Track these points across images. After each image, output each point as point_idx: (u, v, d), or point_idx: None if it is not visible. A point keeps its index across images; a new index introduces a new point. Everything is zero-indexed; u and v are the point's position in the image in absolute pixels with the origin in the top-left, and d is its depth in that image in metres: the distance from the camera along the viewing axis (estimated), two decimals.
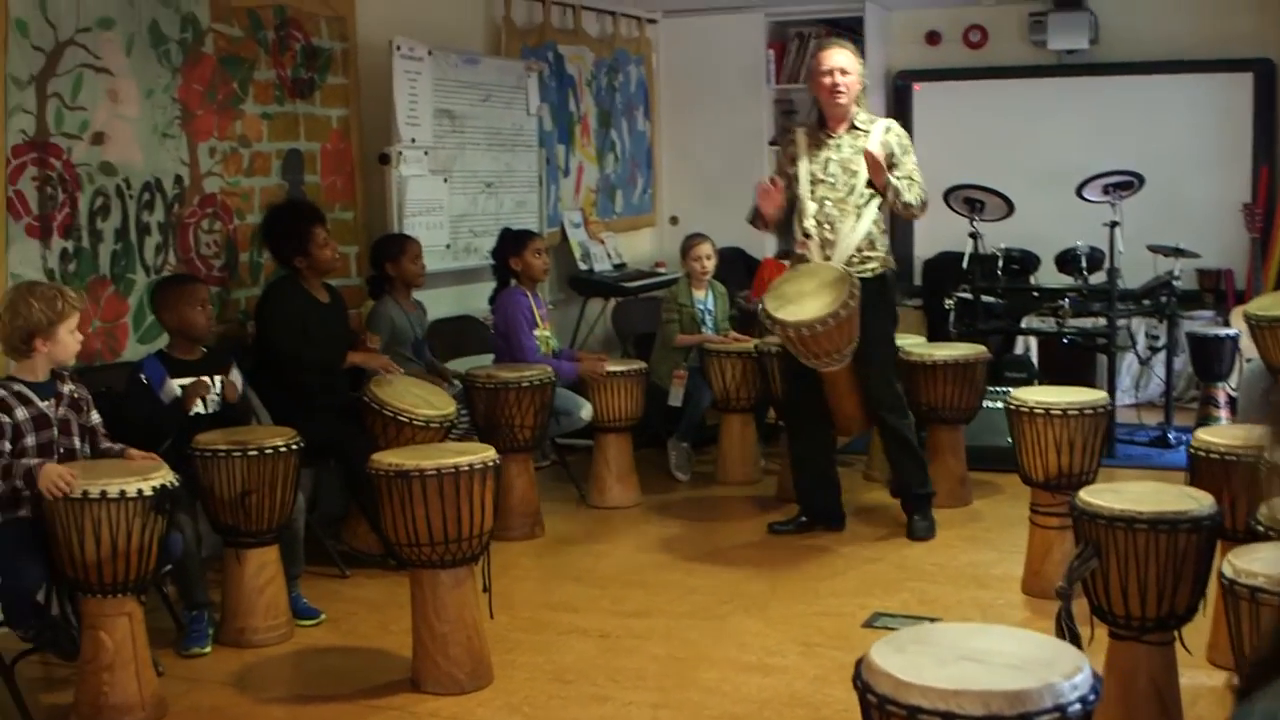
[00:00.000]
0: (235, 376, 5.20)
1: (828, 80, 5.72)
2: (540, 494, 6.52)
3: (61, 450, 4.30)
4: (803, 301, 5.51)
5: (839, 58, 5.72)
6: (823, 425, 5.94)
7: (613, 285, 8.25)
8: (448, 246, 7.03)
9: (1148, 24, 9.13)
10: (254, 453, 4.79)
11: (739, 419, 7.10)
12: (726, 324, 7.47)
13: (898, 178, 5.62)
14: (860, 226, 5.71)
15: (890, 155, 5.65)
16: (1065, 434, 5.09)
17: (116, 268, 5.36)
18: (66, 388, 4.37)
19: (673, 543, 6.10)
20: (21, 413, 4.22)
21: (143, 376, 5.01)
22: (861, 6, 9.15)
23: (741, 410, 7.07)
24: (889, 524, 6.17)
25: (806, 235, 5.77)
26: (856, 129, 5.77)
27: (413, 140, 6.70)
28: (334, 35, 6.48)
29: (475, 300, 7.21)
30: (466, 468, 4.31)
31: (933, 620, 4.86)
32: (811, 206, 5.77)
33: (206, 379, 4.98)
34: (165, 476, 4.16)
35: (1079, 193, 7.57)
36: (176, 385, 5.03)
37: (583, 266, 8.32)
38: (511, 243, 6.68)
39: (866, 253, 5.72)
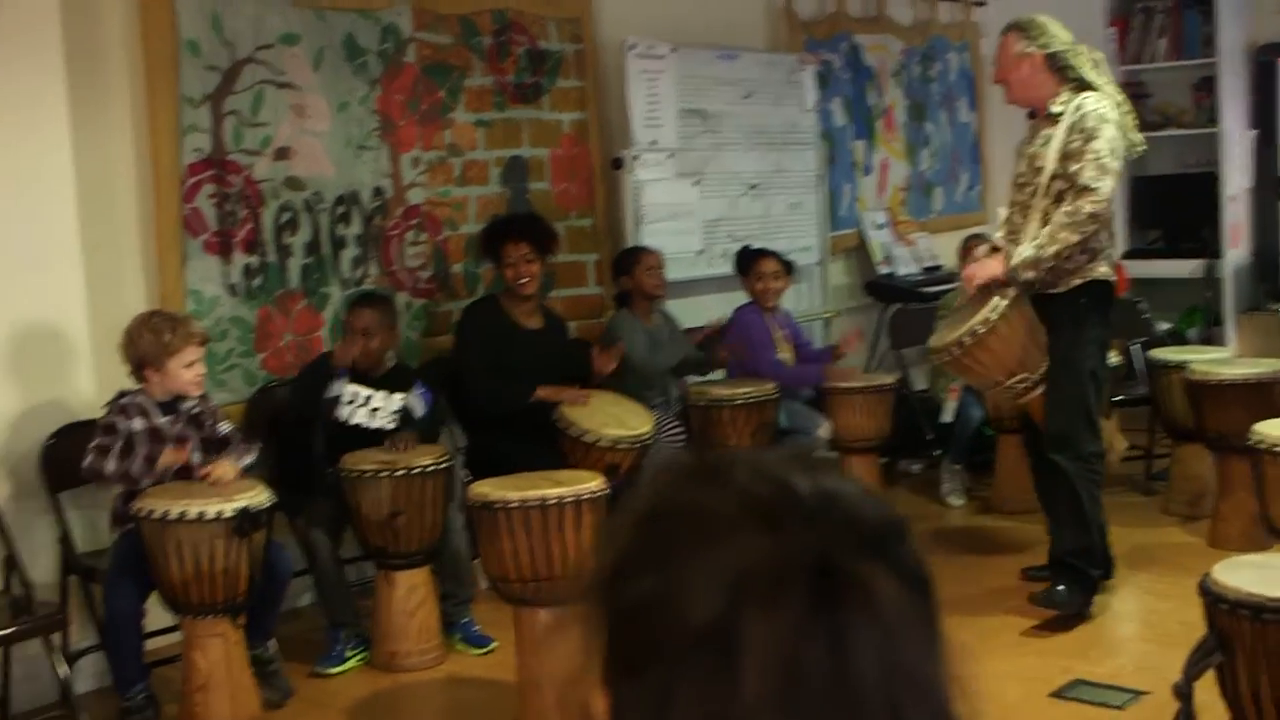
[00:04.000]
0: (414, 399, 5.07)
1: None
2: None
3: (175, 467, 4.30)
4: (952, 329, 4.85)
5: (996, 50, 4.96)
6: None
7: (909, 290, 7.63)
8: (700, 253, 6.68)
9: None
10: (401, 473, 4.66)
11: (1015, 440, 6.35)
12: None
13: (1062, 188, 4.66)
14: (1032, 232, 4.77)
15: (1070, 151, 4.67)
16: None
17: (309, 281, 5.36)
18: (188, 404, 4.37)
19: None
20: (138, 423, 4.26)
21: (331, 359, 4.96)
22: None
23: (1018, 431, 6.32)
24: (1172, 569, 5.33)
25: (995, 247, 4.95)
26: (1051, 116, 4.80)
27: (653, 142, 6.40)
28: (565, 37, 6.28)
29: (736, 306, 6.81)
30: (555, 500, 3.99)
31: (1138, 695, 4.14)
32: (1002, 213, 5.04)
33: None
34: (251, 498, 4.07)
35: None
36: (348, 387, 4.93)
37: (883, 270, 7.75)
38: (745, 260, 6.31)
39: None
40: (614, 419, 5.39)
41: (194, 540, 3.98)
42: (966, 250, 6.69)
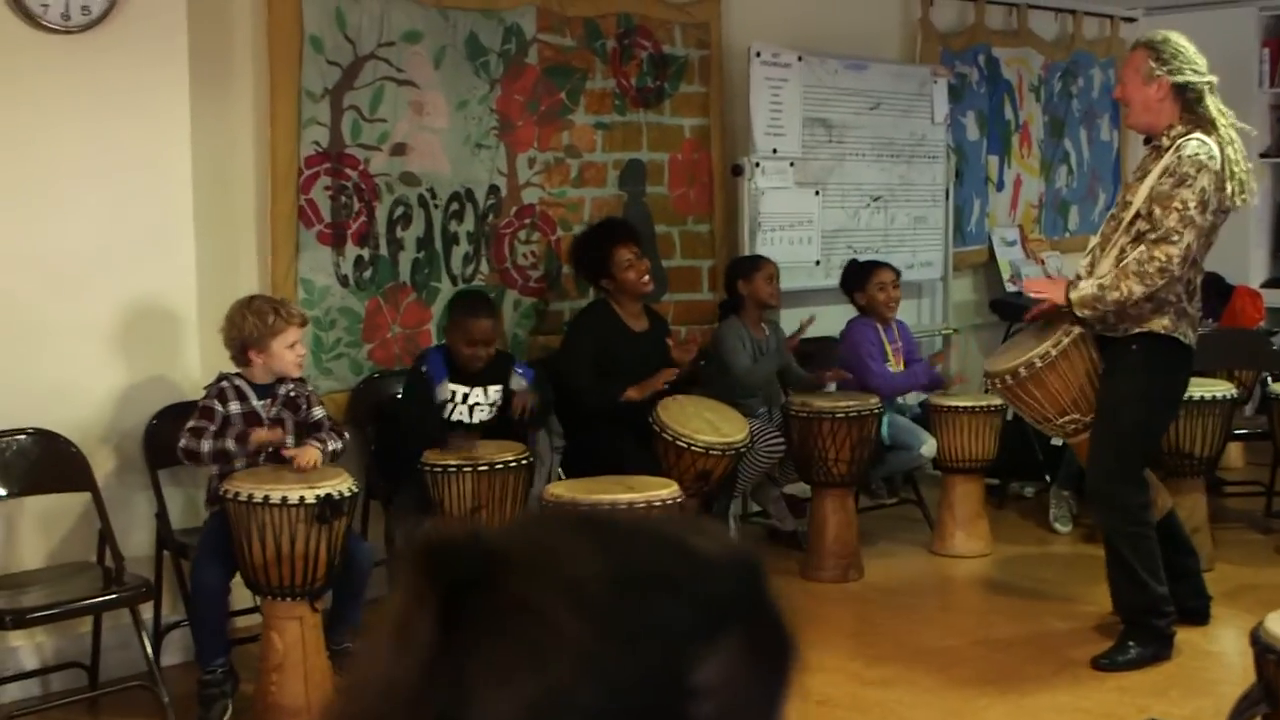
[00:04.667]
0: (516, 379, 5.11)
1: None
2: (884, 534, 6.07)
3: (270, 449, 4.44)
4: (1007, 356, 4.81)
5: (1123, 64, 4.77)
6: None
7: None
8: (818, 263, 6.65)
9: None
10: (484, 468, 4.73)
11: None
12: None
13: (1143, 229, 4.42)
14: (1105, 269, 4.52)
15: (1159, 192, 4.40)
16: None
17: (419, 276, 5.48)
18: (284, 387, 4.50)
19: (990, 600, 5.47)
20: (235, 406, 4.41)
21: (424, 368, 5.06)
22: None
23: None
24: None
25: (1078, 275, 4.70)
26: (1159, 149, 4.53)
27: (774, 151, 6.39)
28: (690, 42, 6.30)
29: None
30: (626, 506, 4.03)
31: None
32: (1092, 240, 4.79)
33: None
34: (335, 485, 4.18)
35: None
36: (448, 388, 5.04)
37: (1010, 289, 7.62)
38: (855, 276, 6.25)
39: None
40: (708, 424, 5.41)
41: (276, 524, 4.10)
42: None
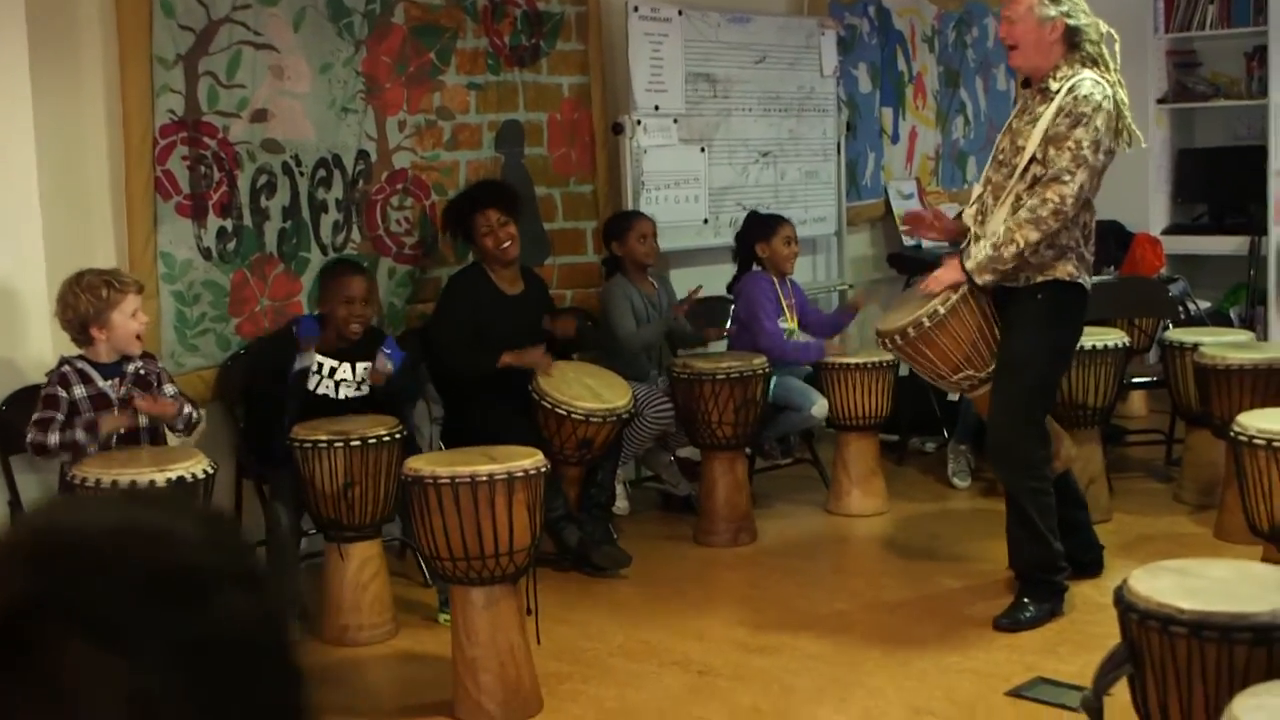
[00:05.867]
0: (383, 361, 4.97)
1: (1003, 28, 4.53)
2: (781, 495, 5.99)
3: (122, 430, 4.26)
4: (899, 313, 4.65)
5: (1008, 4, 4.45)
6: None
7: (935, 263, 7.37)
8: (705, 221, 6.52)
9: None
10: (356, 443, 4.58)
11: None
12: None
13: (1039, 174, 4.31)
14: (1000, 219, 4.39)
15: (1053, 135, 4.29)
16: None
17: (286, 246, 5.29)
18: (132, 366, 4.33)
19: (884, 561, 5.39)
20: (79, 390, 4.23)
21: (295, 329, 4.87)
22: None
23: None
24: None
25: (970, 237, 4.58)
26: (1046, 90, 4.38)
27: (656, 108, 6.24)
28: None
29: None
30: (485, 478, 3.89)
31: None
32: (976, 190, 4.65)
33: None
34: (188, 467, 4.01)
35: None
36: (314, 357, 4.86)
37: (909, 242, 7.53)
38: (759, 227, 6.10)
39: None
40: (589, 391, 5.28)
41: None
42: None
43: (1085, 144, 4.25)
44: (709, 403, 5.50)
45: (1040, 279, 4.39)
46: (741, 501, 5.64)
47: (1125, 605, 2.83)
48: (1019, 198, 4.35)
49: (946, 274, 4.53)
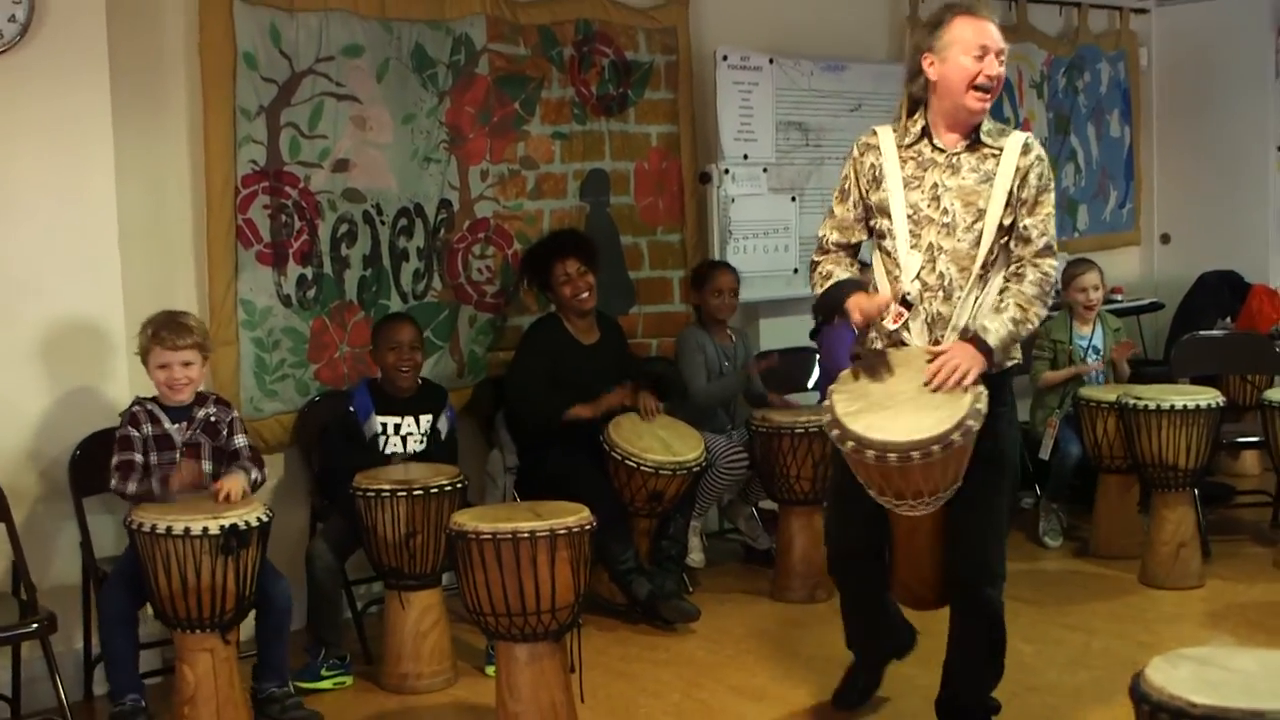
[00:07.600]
0: (443, 422, 5.04)
1: (977, 66, 3.64)
2: None
3: (189, 485, 4.33)
4: (896, 410, 3.54)
5: (997, 35, 3.68)
6: (877, 565, 4.06)
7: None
8: (795, 271, 6.45)
9: None
10: (419, 492, 4.61)
11: (1117, 479, 5.96)
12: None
13: (1019, 234, 3.68)
14: (986, 297, 3.69)
15: (1022, 199, 3.68)
16: None
17: (366, 293, 5.37)
18: (204, 411, 4.40)
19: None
20: (147, 429, 4.32)
21: (350, 408, 4.99)
22: None
23: (1119, 470, 5.93)
24: (1262, 631, 4.91)
25: (906, 304, 3.69)
26: (983, 144, 3.72)
27: (745, 156, 6.21)
28: (656, 48, 6.14)
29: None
30: (527, 534, 3.88)
31: None
32: (914, 260, 3.72)
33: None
34: (241, 515, 4.07)
35: None
36: (377, 422, 4.95)
37: None
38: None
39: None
40: (660, 443, 5.26)
41: (180, 555, 3.99)
42: (1073, 277, 6.37)
43: (1052, 209, 3.74)
44: (787, 457, 5.43)
45: (1009, 364, 3.78)
46: (818, 557, 5.52)
47: (1139, 695, 2.71)
48: (987, 266, 3.69)
49: (967, 362, 3.57)
